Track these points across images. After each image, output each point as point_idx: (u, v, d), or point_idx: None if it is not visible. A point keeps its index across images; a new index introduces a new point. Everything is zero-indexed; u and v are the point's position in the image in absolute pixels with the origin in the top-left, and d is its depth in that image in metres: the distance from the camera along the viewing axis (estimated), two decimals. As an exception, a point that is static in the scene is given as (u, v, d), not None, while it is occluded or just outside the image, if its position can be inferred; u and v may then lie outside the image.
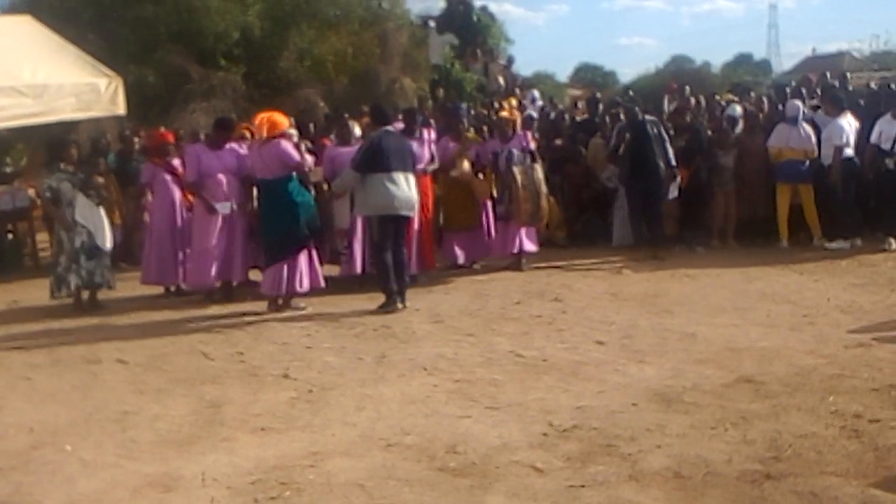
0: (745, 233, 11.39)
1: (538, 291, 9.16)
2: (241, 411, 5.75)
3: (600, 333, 7.36)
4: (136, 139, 13.13)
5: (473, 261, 10.60)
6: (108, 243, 9.38)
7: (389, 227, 8.55)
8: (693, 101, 13.76)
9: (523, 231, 10.18)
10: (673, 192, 10.90)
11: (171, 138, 10.49)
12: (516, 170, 9.94)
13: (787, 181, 10.93)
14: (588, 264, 10.54)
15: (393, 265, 8.55)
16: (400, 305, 8.51)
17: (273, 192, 8.62)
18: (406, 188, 8.54)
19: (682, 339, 7.07)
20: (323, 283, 8.91)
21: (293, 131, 10.70)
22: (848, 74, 16.49)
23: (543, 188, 10.04)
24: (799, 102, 11.53)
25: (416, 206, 8.82)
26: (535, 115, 14.36)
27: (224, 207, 9.10)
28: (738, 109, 12.26)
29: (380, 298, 8.58)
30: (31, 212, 12.28)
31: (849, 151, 10.58)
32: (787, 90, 14.34)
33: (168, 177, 9.78)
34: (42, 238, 12.52)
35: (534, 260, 10.47)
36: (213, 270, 9.17)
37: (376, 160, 8.45)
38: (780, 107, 12.26)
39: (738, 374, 6.01)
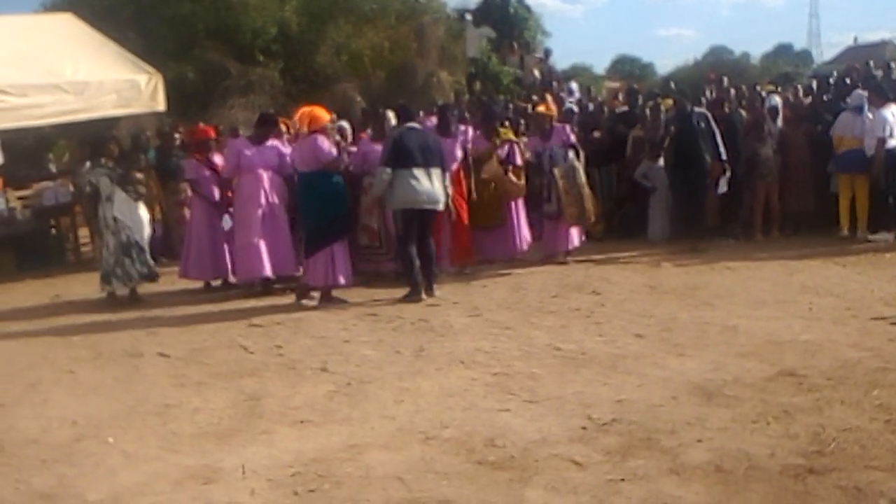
0: (791, 225, 11.26)
1: (576, 284, 9.11)
2: (280, 404, 5.78)
3: (639, 326, 7.30)
4: (175, 135, 13.22)
5: (491, 260, 10.52)
6: (146, 239, 9.49)
7: (413, 220, 8.73)
8: (732, 91, 13.58)
9: (573, 229, 10.16)
10: (723, 187, 10.78)
11: (212, 133, 10.56)
12: (557, 172, 9.89)
13: (847, 171, 10.74)
14: (626, 257, 10.48)
15: (419, 257, 8.74)
16: (424, 296, 8.64)
17: (309, 183, 8.70)
18: (428, 183, 8.67)
19: (722, 332, 6.99)
20: (352, 279, 8.94)
21: (345, 124, 10.79)
22: (892, 64, 16.21)
23: (586, 189, 9.97)
24: (863, 92, 11.32)
25: (442, 201, 8.85)
26: (575, 108, 14.28)
27: (226, 223, 9.28)
28: (778, 100, 12.10)
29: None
30: (73, 207, 12.44)
31: (893, 142, 10.40)
32: (831, 80, 14.13)
33: (208, 173, 9.86)
34: (84, 233, 12.70)
35: (572, 253, 10.41)
36: (265, 264, 9.20)
37: (399, 156, 8.61)
38: (824, 97, 12.11)
39: (780, 368, 5.93)
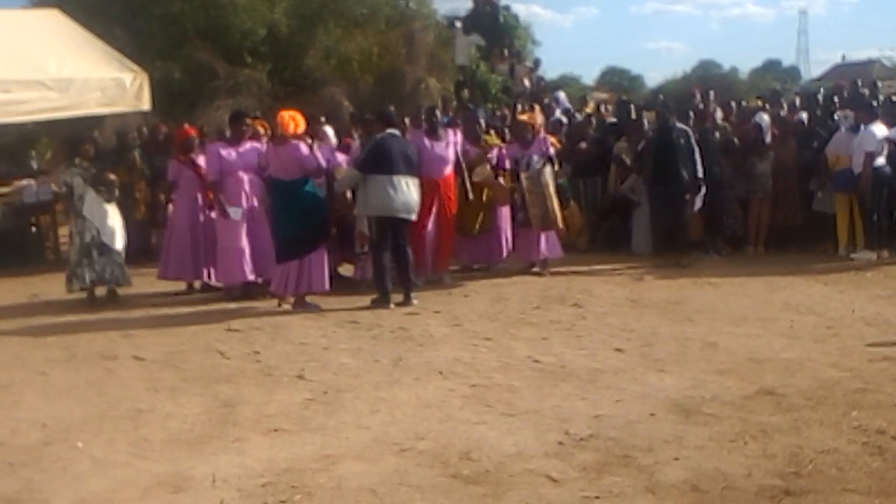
0: (776, 241, 11.28)
1: (558, 296, 9.07)
2: (255, 412, 5.71)
3: (620, 341, 7.27)
4: (159, 135, 13.09)
5: (479, 266, 10.52)
6: (117, 241, 9.39)
7: (387, 228, 8.74)
8: (717, 109, 13.53)
9: (543, 237, 10.09)
10: (697, 204, 10.76)
11: (194, 134, 10.45)
12: (523, 176, 9.86)
13: (844, 189, 10.71)
14: (609, 270, 10.44)
15: (397, 265, 8.80)
16: (392, 305, 8.65)
17: (288, 192, 8.66)
18: (406, 191, 8.66)
19: (703, 348, 6.97)
20: (327, 287, 8.84)
21: (328, 129, 10.74)
22: (878, 82, 16.30)
23: (551, 190, 9.88)
24: (848, 112, 11.33)
25: (416, 210, 8.83)
26: (563, 119, 14.24)
27: (236, 213, 9.09)
28: (766, 118, 12.10)
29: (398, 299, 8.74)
30: (53, 205, 12.32)
31: (880, 160, 10.41)
32: (819, 97, 14.14)
33: (191, 174, 9.77)
34: (64, 232, 12.57)
35: (554, 264, 10.36)
36: (247, 268, 9.14)
37: (379, 162, 8.60)
38: (808, 115, 12.11)
39: (760, 386, 5.91)
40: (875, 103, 12.17)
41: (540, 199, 9.79)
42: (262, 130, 9.67)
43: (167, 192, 10.87)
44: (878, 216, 10.49)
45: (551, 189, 9.90)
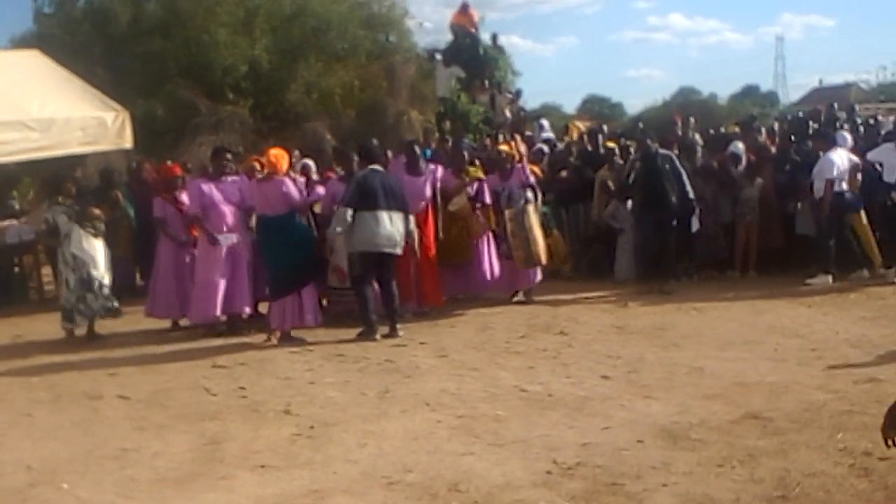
0: (758, 264, 11.35)
1: (544, 325, 9.09)
2: (242, 448, 5.69)
3: (606, 368, 7.28)
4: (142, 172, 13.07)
5: (464, 295, 10.54)
6: (107, 275, 9.41)
7: (371, 263, 8.80)
8: (697, 135, 13.63)
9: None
10: (695, 225, 10.84)
11: (179, 172, 10.48)
12: (507, 214, 9.90)
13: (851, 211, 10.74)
14: (594, 297, 10.46)
15: (383, 299, 8.88)
16: (378, 336, 8.70)
17: (277, 228, 8.77)
18: (388, 226, 8.71)
19: (689, 373, 6.99)
20: (320, 319, 8.97)
21: (309, 162, 10.78)
22: (856, 106, 16.50)
23: (536, 231, 9.89)
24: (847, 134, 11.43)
25: (401, 244, 8.87)
26: (545, 149, 14.31)
27: (226, 239, 9.10)
28: (741, 145, 12.19)
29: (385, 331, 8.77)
30: (36, 245, 12.27)
31: (843, 185, 10.52)
32: (809, 123, 14.28)
33: (175, 211, 9.78)
34: (47, 272, 12.52)
35: (539, 293, 10.39)
36: (218, 304, 9.13)
37: (361, 198, 8.67)
38: (792, 139, 12.24)
39: (746, 410, 5.92)
40: (847, 126, 12.30)
41: (524, 243, 9.81)
42: (258, 166, 9.66)
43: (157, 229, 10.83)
44: (837, 240, 10.56)
45: (536, 231, 9.91)
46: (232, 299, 9.20)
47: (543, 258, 10.08)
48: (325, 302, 9.75)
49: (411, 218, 9.03)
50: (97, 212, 9.60)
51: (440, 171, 10.22)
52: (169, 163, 11.73)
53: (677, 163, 10.69)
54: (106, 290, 9.37)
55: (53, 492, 5.10)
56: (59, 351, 8.96)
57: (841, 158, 10.58)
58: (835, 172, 10.45)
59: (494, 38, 22.32)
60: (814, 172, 10.65)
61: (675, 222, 10.58)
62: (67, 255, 9.31)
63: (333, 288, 9.65)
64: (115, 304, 9.47)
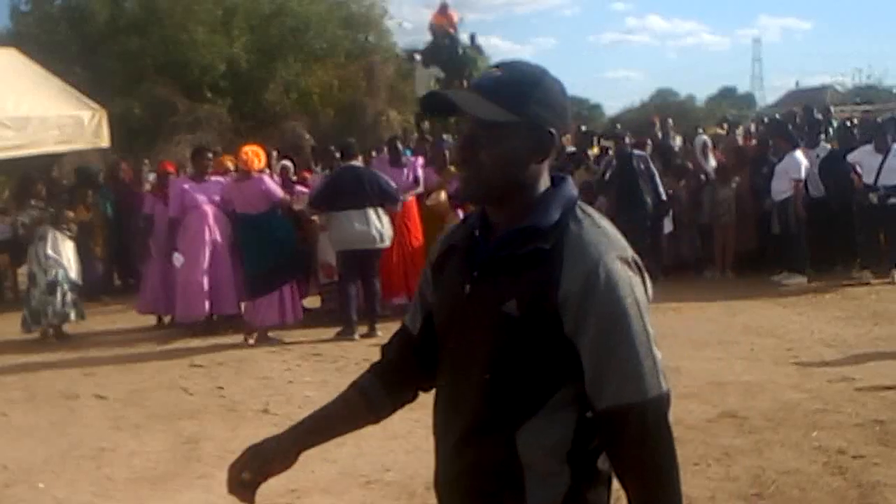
0: (734, 264, 11.44)
1: (522, 324, 9.09)
2: (219, 447, 5.67)
3: (584, 367, 7.29)
4: (120, 171, 13.00)
5: None
6: (77, 276, 9.44)
7: (350, 261, 8.81)
8: (675, 136, 13.71)
9: None
10: (667, 227, 10.89)
11: (171, 169, 10.47)
12: None
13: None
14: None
15: (365, 296, 8.90)
16: (357, 336, 8.68)
17: (257, 227, 8.72)
18: (364, 224, 8.70)
19: (666, 372, 7.00)
20: (301, 316, 8.98)
21: (287, 163, 10.80)
22: (831, 108, 16.62)
23: None
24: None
25: (379, 239, 8.83)
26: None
27: (178, 260, 9.05)
28: (706, 139, 12.29)
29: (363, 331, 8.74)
30: (11, 245, 12.17)
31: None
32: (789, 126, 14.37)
33: (165, 208, 9.73)
34: (23, 272, 12.41)
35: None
36: (204, 303, 9.11)
37: (330, 197, 8.73)
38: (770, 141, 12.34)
39: (722, 409, 5.97)
40: (826, 128, 12.42)
41: None
42: (230, 165, 9.65)
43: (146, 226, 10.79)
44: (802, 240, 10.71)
45: None
46: (217, 299, 9.18)
47: None
48: (320, 300, 9.77)
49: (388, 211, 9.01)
50: (71, 214, 9.59)
51: (420, 160, 10.26)
52: (164, 161, 11.68)
53: (651, 164, 10.76)
54: (70, 297, 9.37)
55: (29, 491, 5.08)
56: (34, 350, 8.90)
57: (804, 159, 10.69)
58: (802, 173, 10.56)
59: (472, 38, 22.32)
60: (777, 170, 10.75)
61: (648, 223, 10.63)
62: (41, 254, 9.28)
63: (324, 285, 9.65)
64: (76, 313, 9.46)
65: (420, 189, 10.08)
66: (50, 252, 9.25)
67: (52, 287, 9.22)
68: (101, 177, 12.66)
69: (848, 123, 13.94)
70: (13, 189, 12.22)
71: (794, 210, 10.55)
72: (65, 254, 9.33)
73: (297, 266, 9.12)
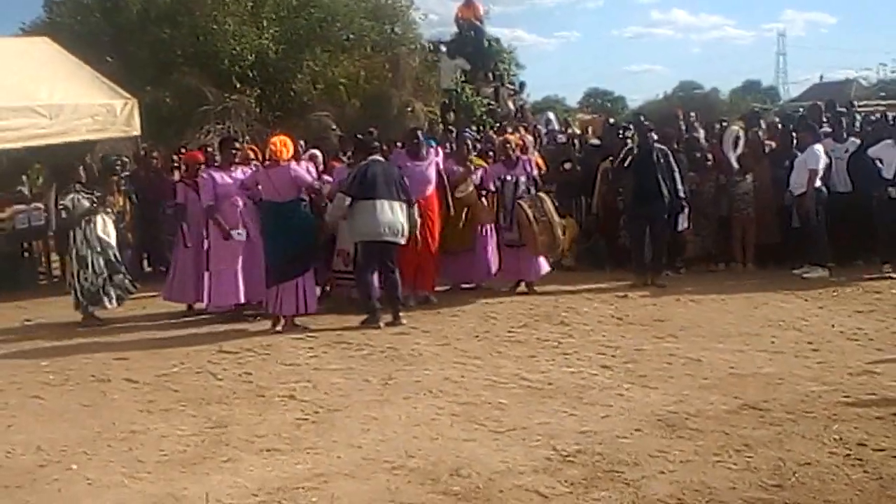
0: (756, 257, 11.45)
1: (545, 314, 9.18)
2: (247, 432, 5.79)
3: (606, 357, 7.38)
4: (152, 159, 13.13)
5: (467, 285, 10.65)
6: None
7: (374, 252, 8.91)
8: (699, 129, 13.65)
9: (536, 258, 10.22)
10: (682, 223, 10.89)
11: (201, 158, 10.55)
12: (524, 203, 9.97)
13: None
14: (594, 288, 10.53)
15: (385, 287, 8.97)
16: (382, 324, 8.78)
17: (282, 214, 8.80)
18: (390, 215, 8.80)
19: (687, 364, 7.08)
20: (315, 308, 9.04)
21: (317, 152, 10.90)
22: (855, 102, 16.50)
23: (556, 217, 10.06)
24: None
25: (403, 233, 8.94)
26: (563, 138, 14.40)
27: (240, 235, 9.16)
28: (736, 129, 12.23)
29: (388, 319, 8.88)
30: (45, 231, 12.37)
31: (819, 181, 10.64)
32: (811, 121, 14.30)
33: (196, 197, 9.84)
34: (56, 257, 12.62)
35: (540, 284, 10.47)
36: (241, 291, 9.22)
37: (363, 187, 8.78)
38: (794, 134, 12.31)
39: (743, 401, 6.02)
40: (848, 121, 12.37)
41: (548, 227, 9.93)
42: (251, 155, 9.78)
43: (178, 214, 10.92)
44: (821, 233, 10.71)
45: (556, 217, 10.05)
46: (254, 288, 9.28)
47: (567, 242, 10.21)
48: (328, 287, 9.87)
49: (415, 208, 9.10)
50: (111, 198, 9.80)
51: (441, 153, 10.32)
52: (194, 150, 11.73)
53: (672, 158, 10.71)
54: (125, 276, 9.68)
55: (63, 472, 5.21)
56: (67, 335, 9.06)
57: (822, 152, 10.68)
58: (820, 164, 10.55)
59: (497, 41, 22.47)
60: (796, 163, 10.75)
61: (666, 216, 10.62)
62: (92, 238, 9.48)
63: (336, 271, 9.75)
64: (136, 285, 9.86)
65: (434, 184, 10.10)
66: (101, 234, 9.49)
67: (112, 266, 9.51)
68: (125, 165, 12.79)
69: (873, 118, 13.86)
70: (47, 176, 12.44)
71: (804, 202, 10.54)
72: (113, 236, 9.64)
73: (316, 255, 9.21)
